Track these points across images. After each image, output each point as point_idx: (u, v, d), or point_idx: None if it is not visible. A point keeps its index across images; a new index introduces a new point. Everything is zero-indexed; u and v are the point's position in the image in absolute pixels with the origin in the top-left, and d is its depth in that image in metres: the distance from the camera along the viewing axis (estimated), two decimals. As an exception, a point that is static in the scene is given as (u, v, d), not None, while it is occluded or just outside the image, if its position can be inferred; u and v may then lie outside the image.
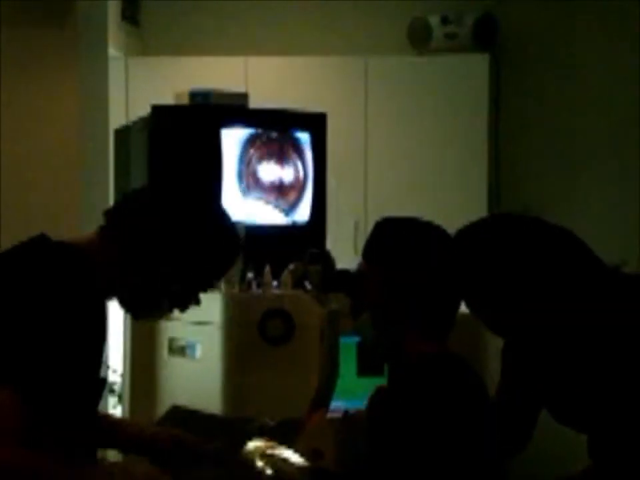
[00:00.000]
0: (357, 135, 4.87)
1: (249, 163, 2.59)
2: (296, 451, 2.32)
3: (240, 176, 2.58)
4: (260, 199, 2.60)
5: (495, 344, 3.13)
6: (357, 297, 2.21)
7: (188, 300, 1.93)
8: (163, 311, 1.93)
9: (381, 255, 2.15)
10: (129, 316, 2.48)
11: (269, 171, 2.61)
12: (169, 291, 1.89)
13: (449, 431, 1.98)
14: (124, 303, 1.94)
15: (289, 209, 2.66)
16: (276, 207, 2.63)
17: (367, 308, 2.16)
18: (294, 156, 2.65)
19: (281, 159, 2.64)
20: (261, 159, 2.61)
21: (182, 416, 2.37)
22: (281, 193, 2.64)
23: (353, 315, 2.21)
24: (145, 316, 1.98)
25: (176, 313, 2.38)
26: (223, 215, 1.95)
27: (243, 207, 2.58)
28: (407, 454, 1.97)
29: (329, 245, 2.73)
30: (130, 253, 1.90)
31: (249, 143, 2.60)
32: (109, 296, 1.94)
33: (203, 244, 1.90)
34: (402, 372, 2.11)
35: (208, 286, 1.94)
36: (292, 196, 2.66)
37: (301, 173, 2.66)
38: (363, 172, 4.90)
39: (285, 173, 2.64)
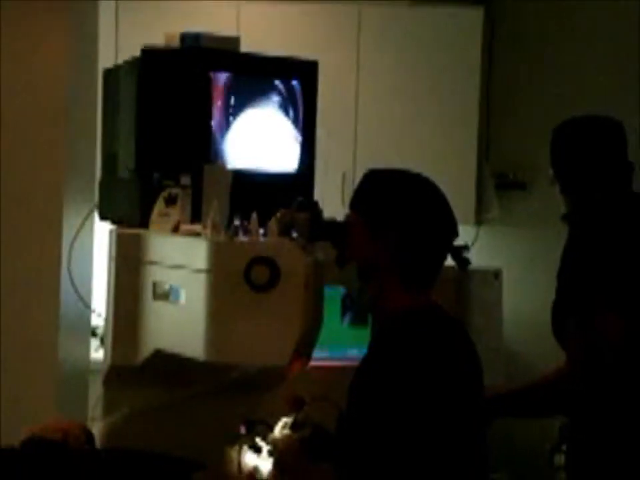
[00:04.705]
0: (347, 84, 4.84)
1: (238, 108, 2.56)
2: (278, 398, 2.33)
3: (228, 120, 2.55)
4: (248, 144, 2.57)
5: (479, 299, 3.15)
6: (342, 247, 2.20)
7: None
8: None
9: (367, 205, 2.14)
10: (114, 258, 2.48)
11: (258, 117, 2.59)
12: None
13: (428, 384, 1.98)
14: None
15: (278, 156, 2.64)
16: (264, 152, 2.61)
17: (352, 258, 2.16)
18: (284, 103, 2.63)
19: (271, 105, 2.61)
20: (250, 104, 2.58)
21: (165, 360, 2.37)
22: (270, 138, 2.62)
23: (338, 265, 2.21)
24: None
25: (160, 256, 2.38)
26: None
27: (230, 151, 2.56)
28: (380, 409, 1.97)
29: (317, 195, 2.72)
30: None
31: (239, 87, 2.57)
32: None
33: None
34: (383, 323, 2.12)
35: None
36: (280, 142, 2.64)
37: (291, 120, 2.64)
38: (352, 123, 4.88)
39: (274, 119, 2.62)
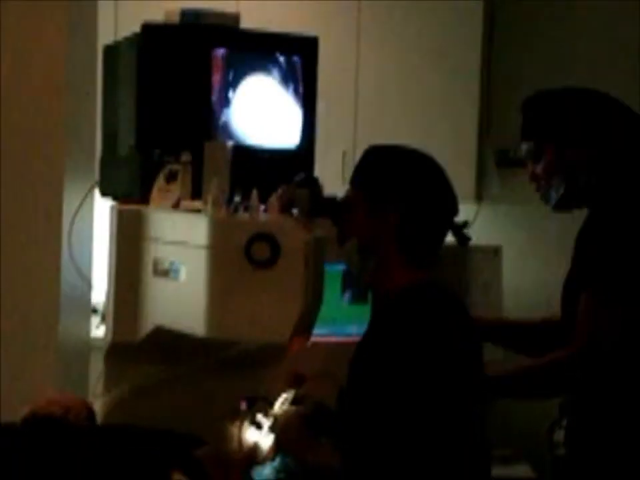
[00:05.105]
0: (348, 62, 4.82)
1: (238, 84, 2.56)
2: (278, 374, 2.34)
3: (228, 97, 2.55)
4: (248, 120, 2.57)
5: (479, 275, 3.16)
6: (343, 223, 2.20)
7: None
8: None
9: (367, 181, 2.15)
10: (114, 235, 2.48)
11: (258, 93, 2.58)
12: None
13: (426, 359, 1.99)
14: None
15: (278, 133, 2.63)
16: (265, 129, 2.60)
17: (353, 235, 2.16)
18: (284, 79, 2.62)
19: (271, 81, 2.61)
20: (250, 80, 2.58)
21: (165, 336, 2.37)
22: (270, 115, 2.61)
23: (339, 242, 2.21)
24: None
25: (161, 233, 2.38)
26: None
27: (231, 128, 2.56)
28: (380, 385, 1.97)
29: (317, 173, 2.72)
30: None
31: (239, 63, 2.57)
32: None
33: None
34: (384, 300, 2.12)
35: None
36: (281, 119, 2.63)
37: (291, 94, 2.63)
38: (353, 101, 4.87)
39: (274, 96, 2.61)
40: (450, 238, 2.21)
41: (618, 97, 2.57)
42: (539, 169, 2.56)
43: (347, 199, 2.20)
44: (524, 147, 2.58)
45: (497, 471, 2.26)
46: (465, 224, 2.21)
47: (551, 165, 2.53)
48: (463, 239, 2.20)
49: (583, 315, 2.38)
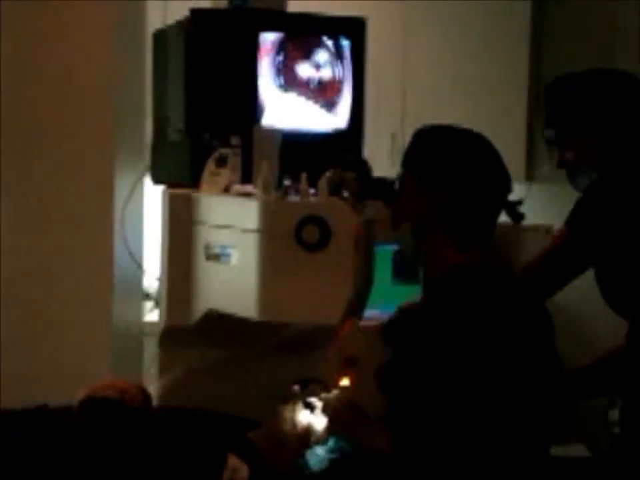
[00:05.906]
0: (396, 44, 4.80)
1: (286, 65, 2.56)
2: (329, 357, 2.34)
3: (277, 78, 2.55)
4: (298, 96, 2.56)
5: (531, 255, 3.13)
6: (396, 206, 2.20)
7: None
8: None
9: (418, 162, 2.13)
10: (167, 220, 2.50)
11: (307, 70, 2.58)
12: None
13: (479, 338, 1.97)
14: None
15: (327, 115, 2.62)
16: (315, 103, 2.59)
17: (406, 218, 2.15)
18: (332, 59, 2.61)
19: (320, 60, 2.61)
20: (299, 59, 2.57)
21: (218, 320, 2.39)
22: (319, 90, 2.61)
23: (393, 225, 2.20)
24: None
25: (212, 217, 2.40)
26: None
27: (281, 110, 2.56)
28: (427, 365, 1.96)
29: (366, 155, 2.72)
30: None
31: (287, 46, 2.56)
32: None
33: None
34: (435, 280, 2.11)
35: None
36: (330, 94, 2.62)
37: (338, 76, 2.63)
38: (401, 82, 4.85)
39: (323, 73, 2.61)
40: (501, 217, 2.19)
41: None
42: (568, 156, 2.47)
43: (398, 180, 2.19)
44: (548, 133, 2.49)
45: (551, 450, 2.24)
46: (520, 202, 2.19)
47: (582, 155, 2.44)
48: (516, 217, 2.18)
49: None
